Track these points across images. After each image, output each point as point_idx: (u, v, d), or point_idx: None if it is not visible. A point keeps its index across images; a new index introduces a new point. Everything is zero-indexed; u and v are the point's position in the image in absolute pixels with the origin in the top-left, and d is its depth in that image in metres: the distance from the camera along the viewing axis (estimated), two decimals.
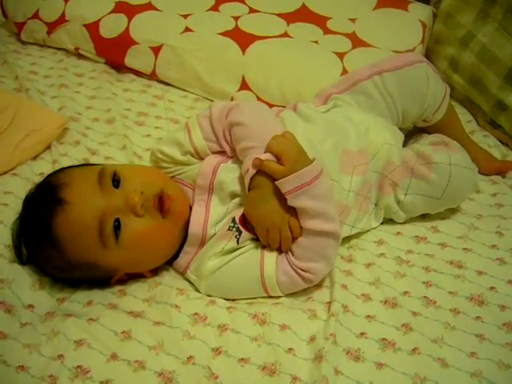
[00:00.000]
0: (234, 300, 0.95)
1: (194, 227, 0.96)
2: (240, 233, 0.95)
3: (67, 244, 0.88)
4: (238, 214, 0.96)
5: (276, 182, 0.90)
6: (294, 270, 0.92)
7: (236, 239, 0.95)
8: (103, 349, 0.84)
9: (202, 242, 0.97)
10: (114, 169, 0.93)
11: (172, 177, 1.03)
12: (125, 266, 0.94)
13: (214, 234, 0.96)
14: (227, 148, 0.99)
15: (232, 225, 0.95)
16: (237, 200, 0.98)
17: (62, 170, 1.00)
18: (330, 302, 0.93)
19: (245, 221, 0.95)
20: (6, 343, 0.83)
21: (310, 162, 0.90)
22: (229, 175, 0.97)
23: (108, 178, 0.91)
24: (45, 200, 0.91)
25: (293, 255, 0.93)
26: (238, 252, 0.95)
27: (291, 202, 0.90)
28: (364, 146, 1.07)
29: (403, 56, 1.18)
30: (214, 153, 1.01)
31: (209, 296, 0.95)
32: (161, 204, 0.92)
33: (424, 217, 1.12)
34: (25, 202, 0.98)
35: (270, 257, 0.94)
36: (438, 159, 1.06)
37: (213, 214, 0.97)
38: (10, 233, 1.00)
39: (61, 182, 0.91)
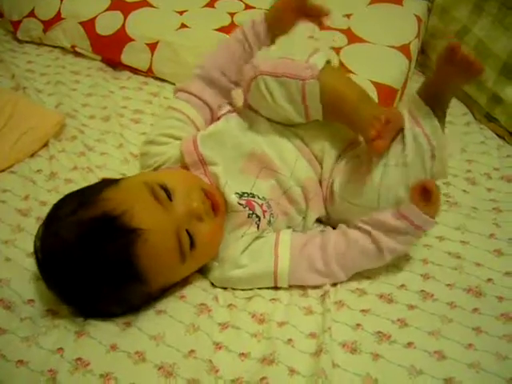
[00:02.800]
0: (234, 292, 0.96)
1: None
2: (259, 218, 0.96)
3: (152, 273, 0.84)
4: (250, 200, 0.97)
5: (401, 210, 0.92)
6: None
7: (256, 225, 0.96)
8: (103, 339, 0.83)
9: None
10: (159, 181, 0.88)
11: (157, 167, 1.03)
12: (189, 273, 0.94)
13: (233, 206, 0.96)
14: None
15: (251, 212, 0.96)
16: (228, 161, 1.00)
17: (94, 198, 0.84)
18: (323, 296, 0.93)
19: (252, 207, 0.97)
20: (5, 338, 0.83)
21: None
22: (209, 145, 1.00)
23: (162, 193, 0.86)
24: (115, 235, 0.81)
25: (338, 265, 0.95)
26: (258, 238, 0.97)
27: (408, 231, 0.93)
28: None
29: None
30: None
31: (221, 288, 0.96)
32: (212, 203, 0.92)
33: None
34: (75, 245, 0.81)
35: (285, 251, 0.96)
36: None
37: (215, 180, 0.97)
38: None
39: (119, 210, 0.81)
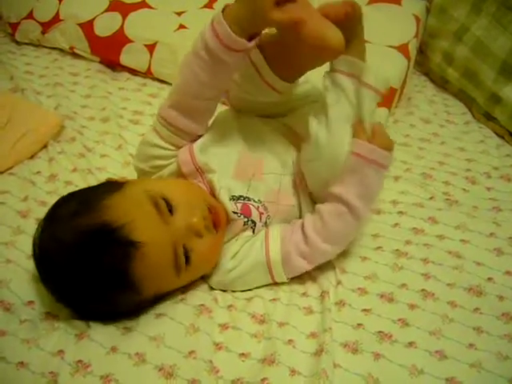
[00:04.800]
0: (233, 293, 0.96)
1: None
2: (255, 224, 0.97)
3: (145, 284, 0.84)
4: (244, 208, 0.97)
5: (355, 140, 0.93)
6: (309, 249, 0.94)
7: (252, 229, 0.97)
8: (103, 341, 0.84)
9: None
10: (162, 194, 0.87)
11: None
12: (184, 284, 0.94)
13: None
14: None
15: (246, 220, 0.96)
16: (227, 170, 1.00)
17: (96, 203, 0.85)
18: (323, 295, 0.93)
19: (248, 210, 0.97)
20: (5, 339, 0.83)
21: None
22: (205, 153, 0.98)
23: (164, 207, 0.86)
24: (113, 246, 0.81)
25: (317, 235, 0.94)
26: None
27: (360, 167, 0.92)
28: None
29: None
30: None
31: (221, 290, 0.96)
32: (214, 219, 0.92)
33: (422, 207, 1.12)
34: (72, 249, 0.82)
35: (275, 241, 0.95)
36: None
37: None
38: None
39: (120, 222, 0.81)
